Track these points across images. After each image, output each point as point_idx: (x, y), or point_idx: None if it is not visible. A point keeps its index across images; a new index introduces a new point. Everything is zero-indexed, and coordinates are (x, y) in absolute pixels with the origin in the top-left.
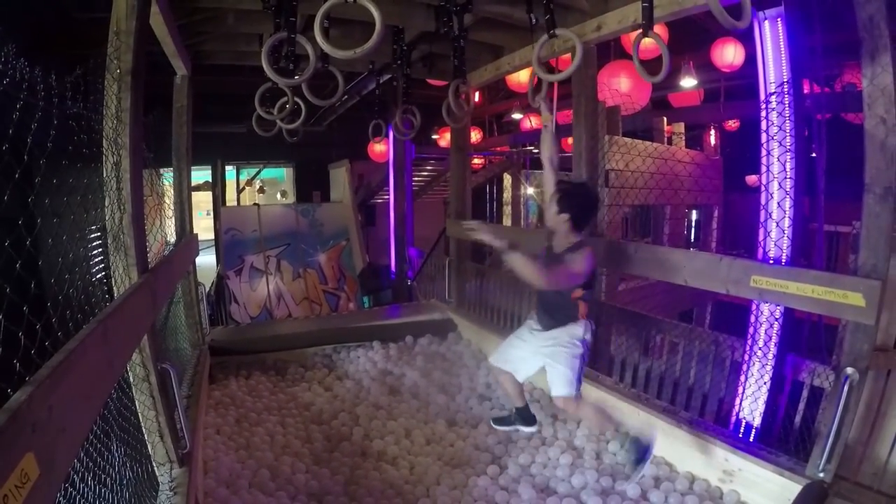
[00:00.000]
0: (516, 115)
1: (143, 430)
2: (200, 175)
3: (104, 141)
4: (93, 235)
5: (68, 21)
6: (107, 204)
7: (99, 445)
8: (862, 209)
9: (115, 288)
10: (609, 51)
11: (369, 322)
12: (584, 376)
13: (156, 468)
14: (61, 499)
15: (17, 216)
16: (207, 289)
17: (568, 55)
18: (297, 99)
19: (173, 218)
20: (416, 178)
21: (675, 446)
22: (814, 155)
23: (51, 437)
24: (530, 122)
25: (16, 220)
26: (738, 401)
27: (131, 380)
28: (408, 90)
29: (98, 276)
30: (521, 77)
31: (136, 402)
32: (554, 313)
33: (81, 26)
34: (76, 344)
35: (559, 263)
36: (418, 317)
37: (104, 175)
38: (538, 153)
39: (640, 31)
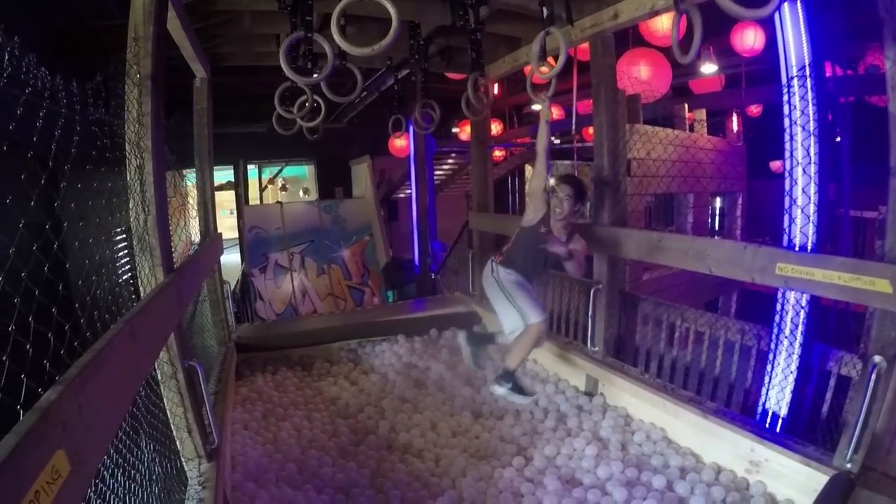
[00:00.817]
0: (536, 107)
1: (172, 427)
2: (223, 175)
3: (127, 145)
4: (118, 238)
5: (86, 29)
6: (131, 206)
7: (129, 442)
8: (888, 193)
9: (141, 288)
10: (627, 38)
11: (394, 316)
12: (608, 365)
13: (184, 463)
14: (91, 494)
15: (44, 220)
16: (232, 287)
17: (585, 45)
18: (316, 97)
19: (197, 218)
20: (437, 172)
21: (700, 437)
22: (838, 139)
23: (81, 435)
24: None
25: (43, 225)
26: (764, 390)
27: (159, 377)
28: (426, 85)
29: (125, 277)
30: (542, 68)
31: (165, 399)
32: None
33: (99, 33)
34: (104, 344)
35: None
36: (442, 310)
37: (128, 178)
38: (559, 143)
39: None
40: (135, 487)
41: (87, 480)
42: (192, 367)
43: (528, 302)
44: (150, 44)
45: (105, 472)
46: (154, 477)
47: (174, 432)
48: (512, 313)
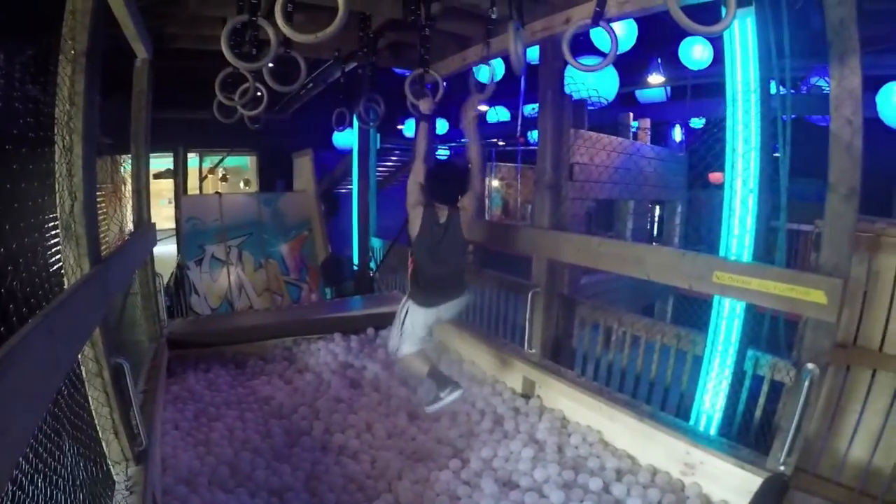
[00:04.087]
0: (482, 108)
1: (98, 428)
2: (163, 162)
3: (56, 125)
4: (50, 224)
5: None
6: (57, 191)
7: (49, 445)
8: (825, 208)
9: (65, 279)
10: (578, 44)
11: (330, 314)
12: (545, 368)
13: (111, 467)
14: (8, 502)
15: None
16: (167, 280)
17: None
18: (258, 85)
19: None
20: (380, 169)
21: (636, 439)
22: (777, 155)
23: None
24: (496, 115)
25: None
26: (699, 394)
27: (84, 375)
28: (373, 79)
29: (55, 267)
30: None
31: (90, 399)
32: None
33: (43, 6)
34: (18, 340)
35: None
36: (380, 308)
37: (55, 161)
38: (503, 145)
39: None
40: (57, 494)
41: None
42: (119, 364)
43: None
44: (88, 18)
45: (23, 478)
46: (78, 482)
47: (100, 434)
48: None
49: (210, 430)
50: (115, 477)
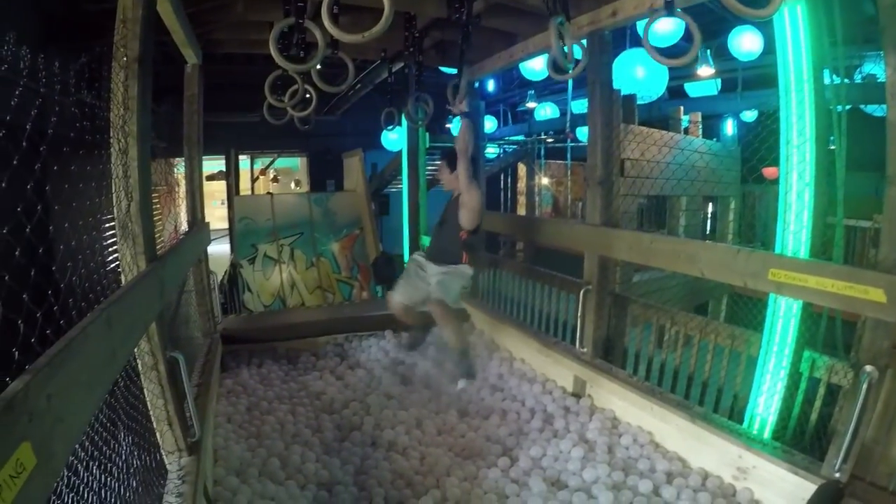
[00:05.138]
0: (531, 104)
1: (152, 419)
2: (215, 164)
3: (111, 129)
4: (108, 225)
5: (80, 13)
6: (114, 192)
7: (105, 434)
8: (884, 202)
9: (122, 276)
10: (625, 38)
11: (381, 311)
12: (596, 367)
13: (164, 456)
14: (64, 487)
15: (33, 205)
16: (221, 278)
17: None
18: (307, 87)
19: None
20: (430, 167)
21: (688, 442)
22: (832, 147)
23: (49, 427)
24: (545, 111)
25: (33, 209)
26: (753, 396)
27: (140, 368)
28: (420, 78)
29: (112, 266)
30: (536, 64)
31: (145, 391)
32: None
33: (93, 17)
34: (77, 332)
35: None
36: None
37: (112, 163)
38: (552, 142)
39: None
40: (111, 481)
41: (54, 473)
42: (174, 357)
43: None
44: (139, 26)
45: (79, 465)
46: (132, 470)
47: (154, 424)
48: None
49: (262, 423)
50: (167, 466)
